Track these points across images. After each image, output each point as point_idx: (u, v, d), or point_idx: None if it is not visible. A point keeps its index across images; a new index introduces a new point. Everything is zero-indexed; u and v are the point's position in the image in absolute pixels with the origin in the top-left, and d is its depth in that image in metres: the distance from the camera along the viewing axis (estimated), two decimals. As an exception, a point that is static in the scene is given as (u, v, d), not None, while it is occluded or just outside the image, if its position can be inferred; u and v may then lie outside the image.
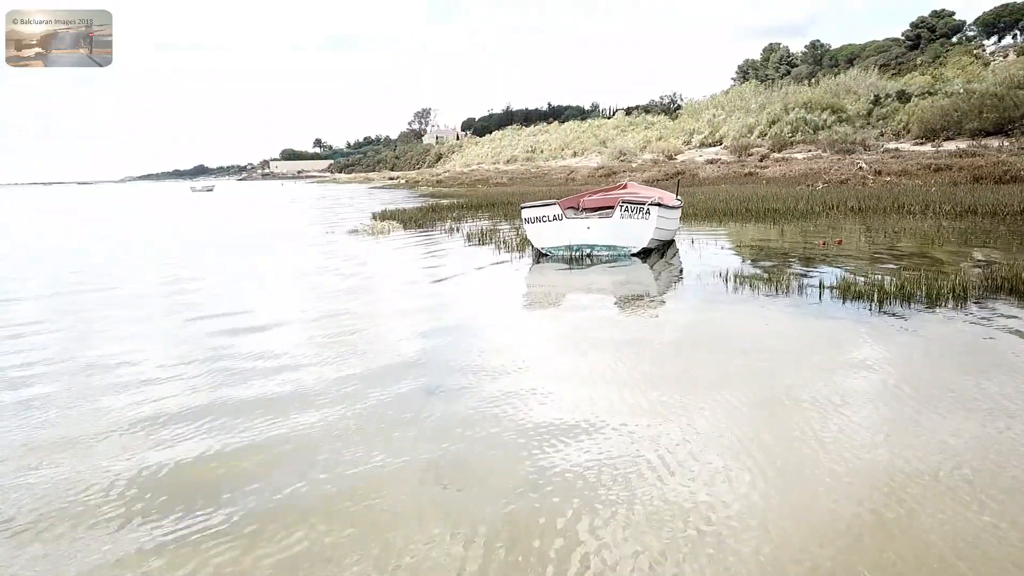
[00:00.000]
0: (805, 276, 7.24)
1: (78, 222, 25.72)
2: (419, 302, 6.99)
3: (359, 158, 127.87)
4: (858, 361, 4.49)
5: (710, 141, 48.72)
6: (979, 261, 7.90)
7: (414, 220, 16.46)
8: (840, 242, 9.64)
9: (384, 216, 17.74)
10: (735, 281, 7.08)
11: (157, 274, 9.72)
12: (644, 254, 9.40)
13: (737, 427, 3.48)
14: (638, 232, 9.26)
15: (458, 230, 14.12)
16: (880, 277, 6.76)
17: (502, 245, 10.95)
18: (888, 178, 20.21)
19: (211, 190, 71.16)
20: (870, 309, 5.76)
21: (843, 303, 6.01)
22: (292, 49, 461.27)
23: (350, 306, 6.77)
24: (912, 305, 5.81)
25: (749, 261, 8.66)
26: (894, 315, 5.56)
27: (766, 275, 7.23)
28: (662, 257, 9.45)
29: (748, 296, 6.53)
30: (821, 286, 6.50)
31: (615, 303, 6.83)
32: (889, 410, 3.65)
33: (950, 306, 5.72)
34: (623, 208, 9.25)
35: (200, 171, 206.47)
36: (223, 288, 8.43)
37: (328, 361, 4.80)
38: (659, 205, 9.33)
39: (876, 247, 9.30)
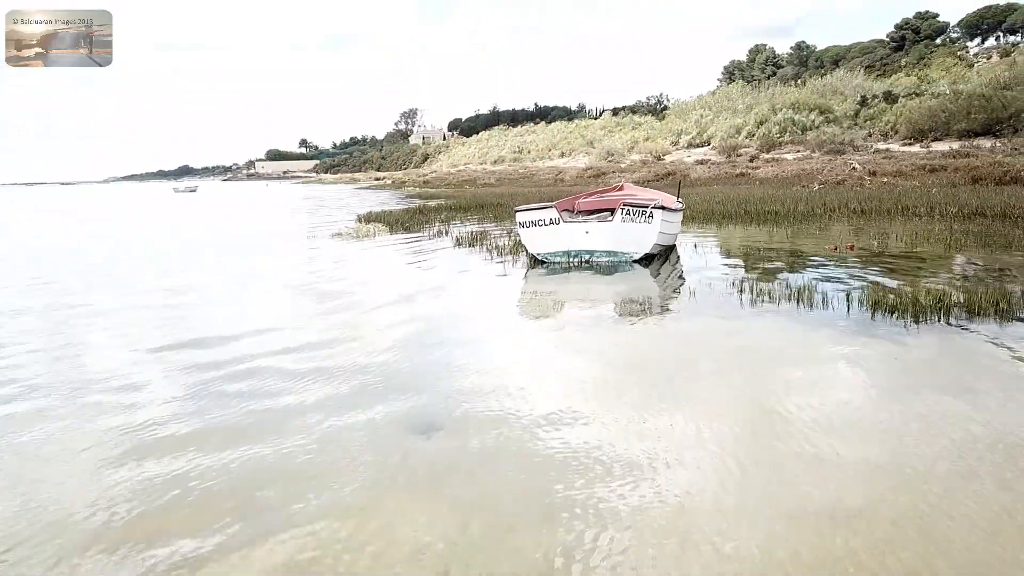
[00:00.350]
0: (825, 285, 6.70)
1: (63, 226, 24.83)
2: (406, 318, 6.34)
3: (345, 158, 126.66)
4: (906, 388, 3.96)
5: (698, 142, 48.42)
6: (1008, 267, 7.42)
7: (400, 223, 15.82)
8: (852, 247, 9.14)
9: (369, 218, 17.08)
10: (750, 291, 6.54)
11: (117, 293, 9.04)
12: (646, 260, 8.85)
13: (774, 473, 2.92)
14: (640, 237, 8.69)
15: (446, 233, 13.51)
16: (909, 287, 6.25)
17: (494, 250, 10.36)
18: (884, 179, 19.86)
19: (194, 191, 69.90)
20: (905, 325, 5.23)
21: (873, 317, 5.48)
22: (279, 49, 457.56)
23: (328, 326, 6.11)
24: (952, 320, 5.28)
25: (759, 268, 8.14)
26: (936, 332, 5.04)
27: (781, 284, 6.71)
28: (664, 264, 8.91)
29: (766, 308, 5.99)
30: (848, 298, 5.97)
31: (621, 317, 6.25)
32: (948, 459, 3.12)
33: (994, 320, 5.21)
34: (624, 212, 8.68)
35: (185, 171, 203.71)
36: (194, 306, 7.76)
37: (304, 405, 4.18)
38: (662, 208, 8.77)
39: (891, 252, 8.81)
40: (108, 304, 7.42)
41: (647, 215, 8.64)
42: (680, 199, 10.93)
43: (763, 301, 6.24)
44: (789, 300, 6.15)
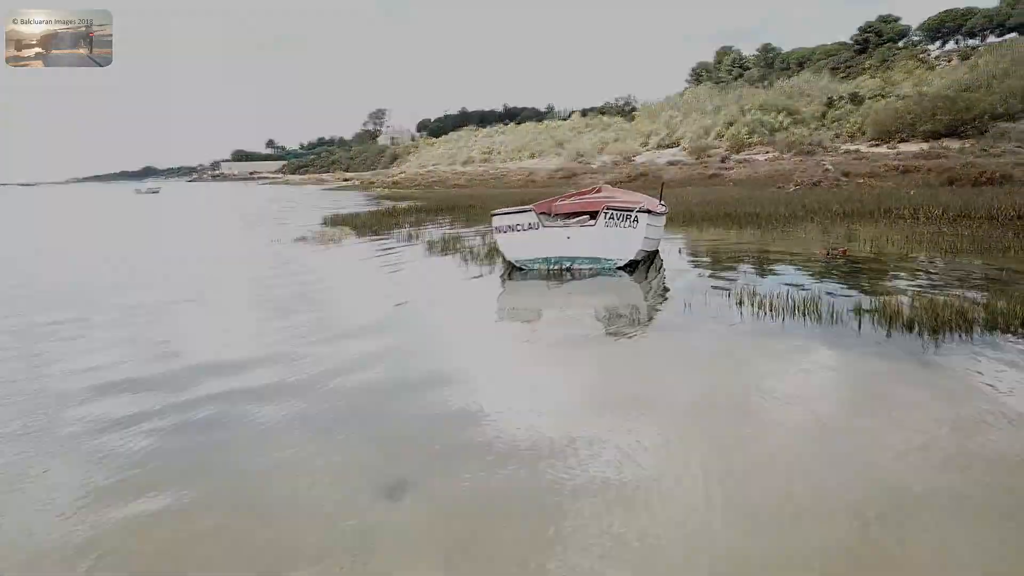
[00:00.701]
0: (827, 295, 6.18)
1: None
2: (372, 343, 5.46)
3: (313, 159, 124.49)
4: (935, 420, 3.45)
5: (667, 143, 48.35)
6: (1016, 274, 7.04)
7: (369, 226, 15.10)
8: (845, 252, 8.72)
9: (336, 221, 16.32)
10: (748, 302, 6.02)
11: (68, 311, 8.17)
12: (630, 267, 8.31)
13: (799, 527, 2.37)
14: (625, 243, 8.14)
15: (417, 237, 12.84)
16: (920, 297, 5.77)
17: (468, 256, 9.73)
18: (859, 180, 19.75)
19: (156, 192, 67.76)
20: (925, 343, 4.74)
21: (888, 334, 4.99)
22: (246, 49, 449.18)
23: (286, 356, 5.35)
24: (976, 336, 4.81)
25: (751, 275, 7.64)
26: (961, 350, 4.55)
27: (779, 294, 6.19)
28: (649, 271, 8.38)
29: (768, 322, 5.47)
30: (859, 310, 5.47)
31: (610, 334, 5.67)
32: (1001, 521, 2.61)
33: (1022, 336, 4.76)
34: (608, 216, 8.12)
35: (148, 172, 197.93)
36: (139, 330, 6.96)
37: (257, 460, 3.52)
38: (647, 212, 8.24)
39: (886, 257, 8.42)
40: (63, 325, 6.60)
41: (632, 219, 8.09)
42: (663, 202, 10.44)
43: (763, 313, 5.73)
44: (792, 313, 5.64)
